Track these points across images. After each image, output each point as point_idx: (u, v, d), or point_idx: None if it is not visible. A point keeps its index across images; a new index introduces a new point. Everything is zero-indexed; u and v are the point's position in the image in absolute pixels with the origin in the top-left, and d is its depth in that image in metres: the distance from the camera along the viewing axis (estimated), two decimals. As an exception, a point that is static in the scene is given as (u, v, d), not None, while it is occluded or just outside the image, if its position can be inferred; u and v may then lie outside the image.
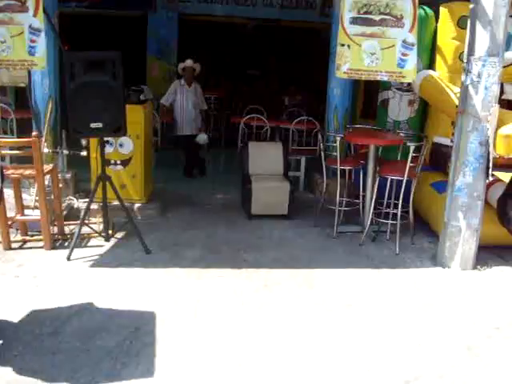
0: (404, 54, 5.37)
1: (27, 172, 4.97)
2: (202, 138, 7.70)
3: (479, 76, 4.58)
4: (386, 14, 5.28)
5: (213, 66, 11.13)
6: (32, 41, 5.14)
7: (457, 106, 4.94)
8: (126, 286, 4.29)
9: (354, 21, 5.34)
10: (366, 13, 5.31)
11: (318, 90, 8.56)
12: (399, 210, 5.33)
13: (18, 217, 5.15)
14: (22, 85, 6.56)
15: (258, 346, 3.50)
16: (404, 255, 5.19)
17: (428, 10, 6.30)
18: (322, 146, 5.86)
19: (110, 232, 5.19)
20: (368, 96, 7.63)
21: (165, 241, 5.25)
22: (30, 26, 5.11)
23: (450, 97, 5.59)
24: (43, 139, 5.64)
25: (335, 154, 5.65)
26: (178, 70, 7.84)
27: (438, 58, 6.23)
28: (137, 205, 5.88)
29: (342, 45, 5.40)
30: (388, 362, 3.39)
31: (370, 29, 5.33)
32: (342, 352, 3.47)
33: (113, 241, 5.18)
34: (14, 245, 5.00)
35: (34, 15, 5.11)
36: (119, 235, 5.30)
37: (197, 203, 6.47)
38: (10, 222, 5.03)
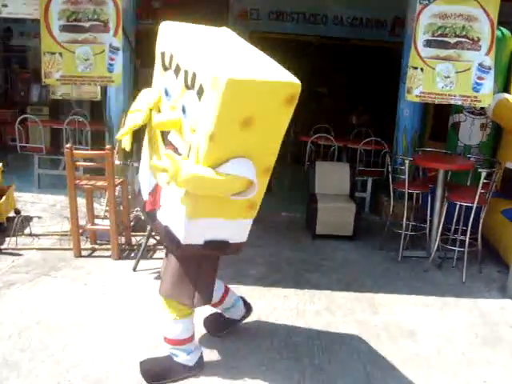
0: (480, 78, 5.26)
1: (99, 183, 5.14)
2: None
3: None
4: (462, 37, 5.20)
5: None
6: (111, 59, 5.40)
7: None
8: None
9: (428, 43, 5.27)
10: (440, 35, 5.24)
11: (386, 109, 8.45)
12: (467, 236, 5.18)
13: (89, 226, 5.33)
14: (95, 99, 6.87)
15: (320, 371, 3.48)
16: (471, 284, 5.03)
17: (505, 30, 6.13)
18: (389, 168, 5.78)
19: (176, 245, 5.28)
20: (438, 118, 7.48)
21: (229, 257, 5.27)
22: (110, 45, 5.38)
23: (526, 122, 5.42)
24: (116, 151, 5.83)
25: (403, 176, 5.56)
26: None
27: (515, 81, 6.06)
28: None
29: (415, 68, 5.34)
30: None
31: (444, 51, 5.26)
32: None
33: (178, 254, 5.27)
34: (83, 252, 5.17)
35: (114, 35, 5.39)
36: (184, 248, 5.38)
37: (261, 220, 6.44)
38: (80, 231, 5.23)
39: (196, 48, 2.71)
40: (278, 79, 2.56)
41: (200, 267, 3.13)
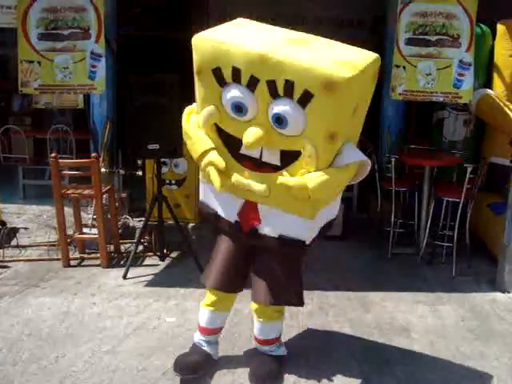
0: (460, 74, 5.31)
1: (86, 192, 5.11)
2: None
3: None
4: (442, 34, 5.25)
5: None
6: (93, 66, 5.34)
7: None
8: (182, 306, 4.33)
9: (410, 42, 5.32)
10: (421, 33, 5.28)
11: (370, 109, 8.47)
12: (455, 231, 5.22)
13: (77, 235, 5.29)
14: (76, 107, 6.86)
15: (315, 371, 3.47)
16: (461, 278, 5.05)
17: (484, 27, 6.18)
18: (376, 167, 5.81)
19: (165, 251, 5.26)
20: (421, 115, 7.52)
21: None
22: (91, 52, 5.32)
23: (508, 116, 5.47)
24: (101, 159, 5.79)
25: (389, 174, 5.58)
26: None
27: (495, 76, 6.09)
28: (190, 224, 5.95)
29: (397, 66, 5.38)
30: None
31: (425, 49, 5.31)
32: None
33: (168, 260, 5.26)
34: (72, 262, 5.13)
35: (96, 41, 5.32)
36: (174, 255, 5.37)
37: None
38: (68, 240, 5.18)
39: (264, 53, 2.56)
40: (369, 60, 2.67)
41: (293, 267, 3.31)
